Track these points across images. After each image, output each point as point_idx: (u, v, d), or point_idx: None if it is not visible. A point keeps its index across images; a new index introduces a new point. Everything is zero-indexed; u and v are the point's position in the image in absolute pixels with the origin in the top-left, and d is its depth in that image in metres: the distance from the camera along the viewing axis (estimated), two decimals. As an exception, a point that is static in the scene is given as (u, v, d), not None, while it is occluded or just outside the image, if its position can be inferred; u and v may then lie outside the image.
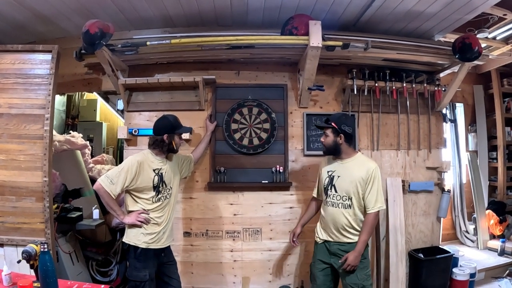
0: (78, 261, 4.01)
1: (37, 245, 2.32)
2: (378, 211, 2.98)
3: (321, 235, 3.16)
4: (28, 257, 2.30)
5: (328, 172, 3.13)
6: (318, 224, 3.25)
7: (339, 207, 3.01)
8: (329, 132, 3.03)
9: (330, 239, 3.08)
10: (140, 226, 2.97)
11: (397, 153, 4.22)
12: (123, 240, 3.06)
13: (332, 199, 3.05)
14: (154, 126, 3.12)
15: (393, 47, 3.80)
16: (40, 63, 3.59)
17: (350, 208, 2.98)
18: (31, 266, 2.34)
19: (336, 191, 3.03)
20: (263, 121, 3.98)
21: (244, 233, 3.99)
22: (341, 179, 3.03)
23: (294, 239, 3.37)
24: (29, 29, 4.00)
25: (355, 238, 2.99)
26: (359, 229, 3.01)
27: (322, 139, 3.09)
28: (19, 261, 2.38)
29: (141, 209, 2.99)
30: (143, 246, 2.96)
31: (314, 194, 3.40)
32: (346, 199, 2.99)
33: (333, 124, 3.00)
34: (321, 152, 3.87)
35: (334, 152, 3.07)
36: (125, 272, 3.50)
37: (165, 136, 3.04)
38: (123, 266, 4.22)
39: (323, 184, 3.15)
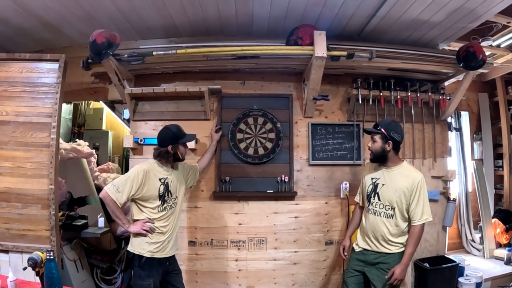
0: (82, 269, 4.01)
1: (43, 253, 2.32)
2: (424, 223, 2.91)
3: (360, 243, 3.13)
4: (34, 264, 2.30)
5: (372, 179, 3.09)
6: (358, 231, 3.23)
7: (380, 216, 2.98)
8: (377, 137, 2.99)
9: (368, 247, 3.04)
10: (145, 235, 2.98)
11: (402, 163, 4.20)
12: (128, 248, 3.08)
13: (375, 207, 3.02)
14: (158, 138, 3.14)
15: (397, 57, 3.81)
16: (47, 72, 3.61)
17: (392, 218, 2.95)
18: (37, 273, 2.35)
19: (379, 199, 3.00)
20: (268, 130, 3.99)
21: (249, 242, 3.98)
22: (385, 188, 2.99)
23: (345, 253, 3.31)
24: (36, 37, 4.05)
25: (393, 249, 2.95)
26: (398, 240, 2.96)
27: (369, 145, 3.05)
28: (25, 268, 2.38)
29: (146, 218, 3.00)
30: (148, 255, 2.97)
31: (356, 199, 3.37)
32: (389, 208, 2.95)
33: (382, 130, 2.97)
34: (326, 162, 3.91)
35: (380, 159, 3.03)
36: (129, 281, 3.50)
37: (169, 147, 3.06)
38: (128, 275, 4.22)
39: (366, 191, 3.12)
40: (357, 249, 3.15)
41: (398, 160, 3.06)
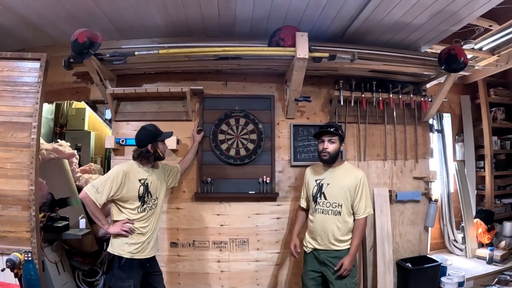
0: (64, 271, 3.96)
1: (21, 254, 2.31)
2: (367, 216, 3.11)
3: (309, 244, 3.20)
4: (12, 265, 2.28)
5: (316, 180, 3.21)
6: (306, 233, 3.29)
7: (329, 214, 3.09)
8: (336, 139, 3.11)
9: (319, 247, 3.12)
10: (125, 236, 2.96)
11: (384, 164, 4.25)
12: (108, 250, 3.06)
13: (322, 206, 3.12)
14: (136, 139, 3.12)
15: (379, 58, 3.84)
16: (28, 71, 3.56)
17: (340, 214, 3.07)
18: (15, 275, 2.33)
19: (325, 199, 3.11)
20: (250, 131, 3.99)
21: (231, 243, 3.97)
22: (330, 187, 3.12)
23: (299, 250, 3.34)
24: (17, 36, 4.00)
25: (343, 246, 3.07)
26: (346, 237, 3.09)
27: (325, 146, 3.10)
28: (3, 270, 2.36)
29: (126, 219, 2.98)
30: (128, 256, 2.95)
31: (302, 204, 3.44)
32: (336, 205, 3.08)
33: (339, 131, 3.13)
34: (308, 163, 3.91)
35: (335, 159, 3.15)
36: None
37: (149, 146, 3.05)
38: (110, 276, 4.17)
39: (311, 193, 3.21)
40: (308, 250, 3.24)
41: (340, 160, 3.26)
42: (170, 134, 3.28)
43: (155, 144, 3.08)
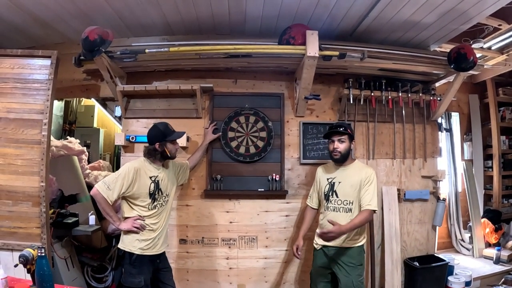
0: (73, 267, 4.00)
1: (34, 250, 2.32)
2: (373, 211, 3.06)
3: (319, 241, 3.20)
4: (25, 261, 2.29)
5: (328, 179, 3.24)
6: (317, 231, 3.28)
7: (340, 211, 3.12)
8: (346, 138, 3.13)
9: (329, 244, 3.12)
10: (136, 232, 2.98)
11: (392, 162, 4.25)
12: (119, 246, 3.07)
13: (334, 204, 3.16)
14: (147, 136, 3.14)
15: (389, 57, 3.83)
16: (39, 68, 3.60)
17: (351, 212, 3.09)
18: (28, 271, 2.34)
19: (337, 196, 3.15)
20: (259, 129, 4.00)
21: (239, 240, 3.99)
22: (342, 185, 3.15)
23: (299, 252, 3.36)
24: (28, 33, 4.02)
25: (353, 243, 3.10)
26: (357, 234, 3.11)
27: (336, 146, 3.14)
28: (16, 265, 2.37)
29: (137, 216, 3.00)
30: (138, 252, 2.97)
31: (309, 203, 3.48)
32: (347, 203, 3.11)
33: (349, 130, 3.16)
34: (317, 161, 3.93)
35: (345, 158, 3.18)
36: (120, 279, 3.51)
37: (156, 145, 3.06)
38: (119, 273, 4.20)
39: (323, 191, 3.25)
40: (317, 247, 3.26)
41: (351, 158, 3.31)
42: (180, 135, 3.24)
43: (163, 143, 3.07)
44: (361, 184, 3.09)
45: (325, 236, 2.87)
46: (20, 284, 2.35)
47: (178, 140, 3.27)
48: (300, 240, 3.38)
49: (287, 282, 4.03)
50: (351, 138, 3.18)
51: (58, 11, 3.57)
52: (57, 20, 3.77)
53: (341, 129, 3.13)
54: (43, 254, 2.26)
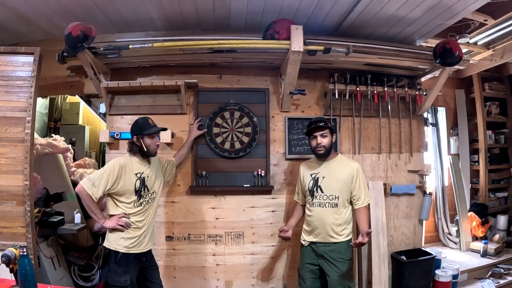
0: (60, 266, 3.96)
1: (16, 249, 2.28)
2: (368, 204, 3.16)
3: (307, 237, 3.22)
4: (8, 261, 2.25)
5: (311, 175, 3.23)
6: (304, 227, 3.31)
7: (326, 207, 3.12)
8: (328, 132, 3.13)
9: (316, 240, 3.15)
10: (121, 231, 2.96)
11: (378, 157, 4.26)
12: (104, 244, 3.05)
13: (319, 199, 3.15)
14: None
15: (374, 52, 3.83)
16: (22, 65, 3.53)
17: (337, 207, 3.10)
18: (11, 270, 2.30)
19: (322, 191, 3.14)
20: (244, 125, 3.98)
21: (226, 237, 3.98)
22: (326, 180, 3.15)
23: (286, 234, 3.31)
24: (11, 30, 3.96)
25: (340, 238, 3.10)
26: (344, 229, 3.12)
27: (319, 141, 3.12)
28: (-2, 265, 2.35)
29: (122, 213, 2.98)
30: (124, 250, 2.95)
31: (297, 200, 3.49)
32: (333, 198, 3.11)
33: (329, 125, 3.17)
34: (303, 156, 3.92)
35: (330, 152, 3.18)
36: (106, 277, 3.49)
37: (134, 138, 3.04)
38: (106, 271, 4.17)
39: (307, 187, 3.23)
40: (305, 244, 3.27)
41: (334, 152, 3.31)
42: (157, 129, 3.11)
43: (141, 137, 3.02)
44: (349, 180, 3.12)
45: (361, 245, 2.94)
46: (3, 284, 2.31)
47: (163, 136, 3.23)
48: (290, 231, 3.32)
49: (274, 277, 4.03)
50: (332, 131, 3.18)
51: (41, 7, 3.52)
52: (40, 17, 3.72)
53: (322, 123, 3.12)
54: (25, 253, 2.23)
